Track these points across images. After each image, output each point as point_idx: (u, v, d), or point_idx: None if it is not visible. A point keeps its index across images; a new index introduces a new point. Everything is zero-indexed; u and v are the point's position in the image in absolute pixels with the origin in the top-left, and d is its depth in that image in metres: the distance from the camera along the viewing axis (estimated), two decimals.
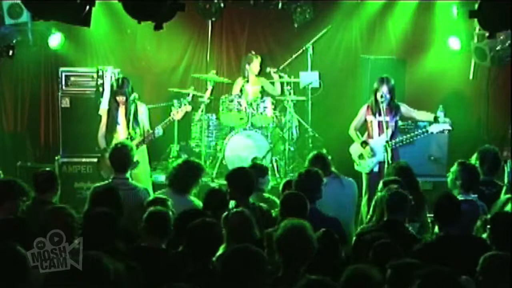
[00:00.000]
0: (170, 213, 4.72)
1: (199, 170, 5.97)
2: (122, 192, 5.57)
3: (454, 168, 5.73)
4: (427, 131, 7.22)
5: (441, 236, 4.71)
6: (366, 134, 7.43)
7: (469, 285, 3.98)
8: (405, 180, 5.68)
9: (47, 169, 6.05)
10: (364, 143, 7.29)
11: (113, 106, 7.30)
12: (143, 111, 7.37)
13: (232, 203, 5.40)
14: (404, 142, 7.19)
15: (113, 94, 7.29)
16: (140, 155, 7.11)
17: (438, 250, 4.49)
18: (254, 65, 9.27)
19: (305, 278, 3.44)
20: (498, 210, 5.21)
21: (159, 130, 7.22)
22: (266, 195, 5.94)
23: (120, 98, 7.22)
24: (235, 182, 5.43)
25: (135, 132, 7.24)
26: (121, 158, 6.02)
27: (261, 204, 5.47)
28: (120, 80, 7.30)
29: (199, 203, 5.66)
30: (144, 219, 4.58)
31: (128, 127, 7.21)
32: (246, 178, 5.46)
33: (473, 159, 6.12)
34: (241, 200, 5.33)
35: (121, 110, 7.29)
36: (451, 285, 3.46)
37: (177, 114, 7.41)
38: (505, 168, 6.21)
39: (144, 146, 7.29)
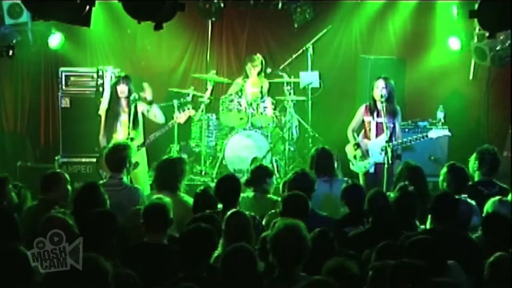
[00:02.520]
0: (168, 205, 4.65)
1: (180, 166, 5.88)
2: (117, 192, 5.58)
3: (443, 170, 5.76)
4: (426, 136, 7.21)
5: (428, 231, 4.70)
6: (362, 133, 7.35)
7: (456, 269, 4.01)
8: (416, 180, 5.66)
9: (58, 170, 6.03)
10: (356, 145, 7.24)
11: (114, 101, 7.29)
12: (143, 109, 7.36)
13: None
14: (402, 145, 7.16)
15: (114, 85, 7.26)
16: (139, 155, 7.12)
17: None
18: (256, 66, 9.25)
19: (307, 278, 3.43)
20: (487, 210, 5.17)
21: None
22: (273, 196, 5.95)
23: (122, 88, 7.20)
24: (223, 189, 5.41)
25: (135, 133, 7.23)
26: (116, 158, 6.02)
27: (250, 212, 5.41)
28: (122, 76, 7.35)
29: (189, 200, 5.65)
30: (141, 216, 4.58)
31: (128, 127, 7.21)
32: (233, 185, 5.43)
33: (472, 160, 6.12)
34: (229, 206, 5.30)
35: (122, 109, 7.29)
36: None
37: (180, 117, 7.41)
38: None
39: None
